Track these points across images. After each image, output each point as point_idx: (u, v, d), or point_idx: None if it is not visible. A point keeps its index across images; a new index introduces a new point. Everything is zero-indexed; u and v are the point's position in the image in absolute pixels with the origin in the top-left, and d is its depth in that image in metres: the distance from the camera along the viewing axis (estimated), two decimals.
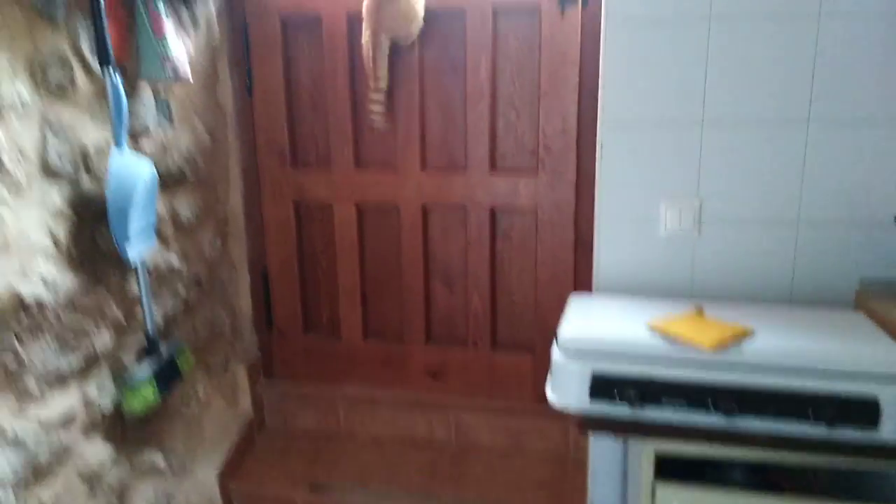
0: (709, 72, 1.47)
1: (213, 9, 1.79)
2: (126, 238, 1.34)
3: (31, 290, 1.24)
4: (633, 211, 1.57)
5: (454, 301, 2.02)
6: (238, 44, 1.92)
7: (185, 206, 1.73)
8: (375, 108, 1.83)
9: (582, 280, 1.87)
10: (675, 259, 1.58)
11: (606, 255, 1.60)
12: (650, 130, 1.52)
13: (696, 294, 1.57)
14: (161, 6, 1.47)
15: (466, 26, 1.80)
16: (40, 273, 1.25)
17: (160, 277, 1.64)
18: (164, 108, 1.63)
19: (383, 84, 1.80)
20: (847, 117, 1.44)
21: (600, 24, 1.49)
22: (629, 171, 1.55)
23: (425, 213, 1.97)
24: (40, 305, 1.26)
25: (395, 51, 1.82)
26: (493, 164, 1.90)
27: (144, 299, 1.51)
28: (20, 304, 1.22)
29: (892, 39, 1.40)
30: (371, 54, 1.75)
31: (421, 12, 1.75)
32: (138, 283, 1.50)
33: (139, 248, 1.41)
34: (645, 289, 1.59)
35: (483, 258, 1.95)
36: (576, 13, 1.71)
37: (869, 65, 1.41)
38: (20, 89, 1.20)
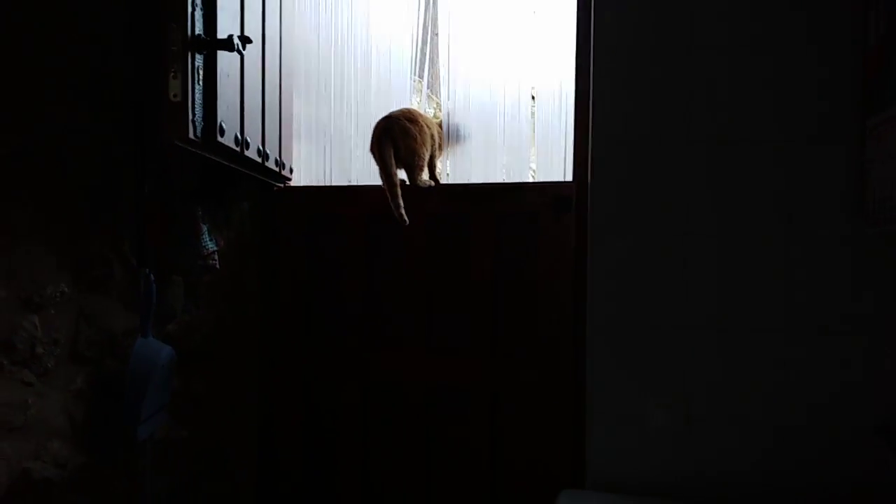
0: (689, 273, 1.59)
1: (246, 207, 2.02)
2: (138, 421, 1.44)
3: (41, 472, 1.32)
4: (623, 406, 1.62)
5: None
6: (266, 235, 2.13)
7: (202, 382, 1.84)
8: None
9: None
10: (666, 455, 1.60)
11: (597, 449, 1.63)
12: (636, 332, 1.61)
13: (688, 493, 1.57)
14: (198, 212, 1.68)
15: (472, 226, 1.99)
16: (53, 456, 1.35)
17: (168, 450, 1.71)
18: (192, 293, 1.80)
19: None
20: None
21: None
22: (620, 370, 1.62)
23: (430, 395, 2.04)
24: (48, 484, 1.34)
25: (402, 238, 2.00)
26: (494, 350, 1.99)
27: (147, 476, 1.58)
28: (29, 485, 1.30)
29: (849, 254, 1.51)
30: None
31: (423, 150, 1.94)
32: (144, 460, 1.58)
33: (150, 427, 1.51)
34: (637, 485, 1.60)
35: (484, 436, 1.99)
36: (569, 219, 1.88)
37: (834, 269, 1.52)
38: (63, 288, 1.37)
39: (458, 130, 2.16)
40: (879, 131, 1.42)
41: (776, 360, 1.54)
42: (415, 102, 2.32)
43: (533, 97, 2.48)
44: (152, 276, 1.51)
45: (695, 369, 1.58)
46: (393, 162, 1.88)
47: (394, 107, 2.13)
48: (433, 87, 2.56)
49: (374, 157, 1.92)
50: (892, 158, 1.34)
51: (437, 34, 2.53)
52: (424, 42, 2.43)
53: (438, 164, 2.07)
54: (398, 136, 1.89)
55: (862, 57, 1.50)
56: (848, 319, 1.51)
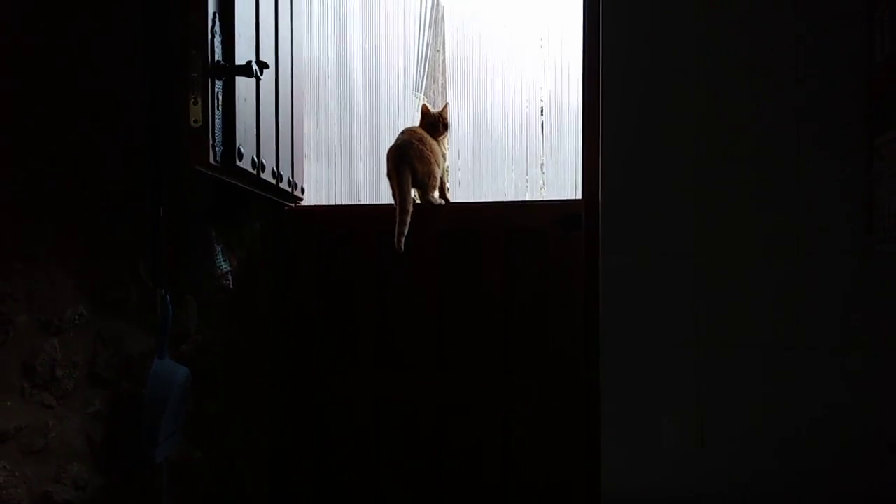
0: (698, 290, 1.60)
1: (258, 227, 2.03)
2: (155, 444, 1.45)
3: (61, 494, 1.33)
4: (637, 423, 1.63)
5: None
6: (277, 254, 2.14)
7: (215, 402, 1.85)
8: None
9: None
10: (681, 471, 1.61)
11: (612, 466, 1.64)
12: (648, 349, 1.62)
13: None
14: (212, 232, 1.69)
15: (482, 244, 2.01)
16: (73, 478, 1.35)
17: (183, 471, 1.71)
18: (205, 313, 1.81)
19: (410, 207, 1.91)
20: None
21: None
22: (632, 387, 1.63)
23: (442, 412, 2.04)
24: None
25: (415, 253, 2.01)
26: (506, 367, 2.00)
27: (165, 498, 1.58)
28: None
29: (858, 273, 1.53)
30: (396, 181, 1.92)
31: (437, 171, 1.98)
32: (161, 481, 1.58)
33: (166, 450, 1.51)
34: (653, 501, 1.61)
35: (497, 453, 1.99)
36: (578, 237, 1.90)
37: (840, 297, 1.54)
38: (82, 310, 1.38)
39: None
40: (886, 150, 1.44)
41: (787, 377, 1.55)
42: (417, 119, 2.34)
43: (542, 110, 2.50)
44: (168, 298, 1.52)
45: (708, 385, 1.59)
46: (410, 188, 1.91)
47: (401, 126, 2.16)
48: (435, 102, 2.59)
49: (392, 183, 1.94)
50: None
51: (438, 50, 2.56)
52: (426, 58, 2.47)
53: (448, 182, 2.09)
54: (416, 161, 1.92)
55: (868, 75, 1.52)
56: (858, 336, 1.52)
